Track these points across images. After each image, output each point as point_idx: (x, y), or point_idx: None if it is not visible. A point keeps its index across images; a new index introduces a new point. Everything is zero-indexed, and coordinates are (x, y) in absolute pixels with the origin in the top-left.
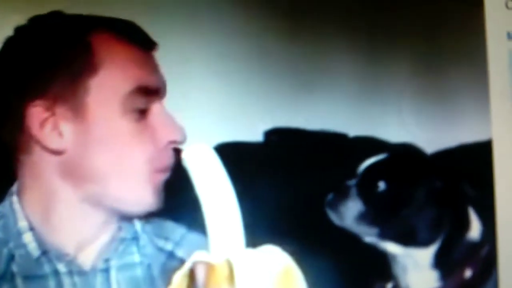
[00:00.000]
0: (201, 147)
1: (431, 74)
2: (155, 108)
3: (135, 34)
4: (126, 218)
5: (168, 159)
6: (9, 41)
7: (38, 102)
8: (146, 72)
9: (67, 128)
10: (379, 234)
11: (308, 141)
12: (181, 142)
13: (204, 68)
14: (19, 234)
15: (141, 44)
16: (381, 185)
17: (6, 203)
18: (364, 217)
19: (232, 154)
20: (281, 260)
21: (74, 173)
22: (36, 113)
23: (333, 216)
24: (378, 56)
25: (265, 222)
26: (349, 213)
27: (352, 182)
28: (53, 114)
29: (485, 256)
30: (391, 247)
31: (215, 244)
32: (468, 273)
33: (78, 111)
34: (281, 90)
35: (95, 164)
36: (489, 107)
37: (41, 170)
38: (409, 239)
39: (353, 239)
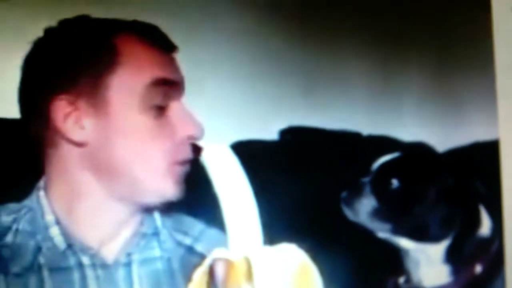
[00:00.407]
0: (221, 147)
1: (441, 76)
2: (174, 105)
3: (156, 36)
4: (148, 210)
5: (186, 153)
6: (38, 41)
7: (62, 96)
8: (164, 68)
9: (89, 122)
10: (392, 230)
11: (322, 140)
12: (199, 138)
13: (220, 69)
14: (46, 227)
15: (162, 46)
16: (395, 182)
17: (33, 197)
18: (378, 214)
19: (248, 152)
20: (297, 257)
21: (96, 166)
22: (60, 106)
23: (348, 212)
24: (389, 57)
25: (281, 219)
26: (363, 210)
27: (366, 179)
28: (76, 108)
29: (495, 252)
30: (404, 243)
31: (234, 242)
32: (478, 268)
33: (99, 106)
34: (296, 90)
35: (115, 156)
36: (496, 108)
37: (66, 163)
38: (421, 235)
39: (367, 235)
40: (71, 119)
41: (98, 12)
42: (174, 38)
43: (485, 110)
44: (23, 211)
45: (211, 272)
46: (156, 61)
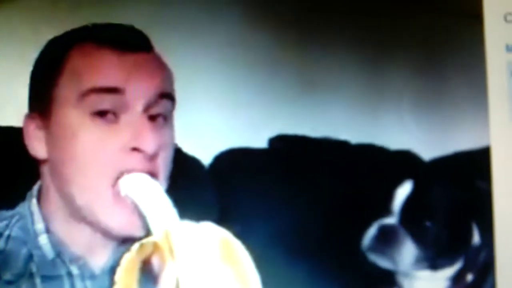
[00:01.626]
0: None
1: (432, 84)
2: (128, 113)
3: (120, 38)
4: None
5: (133, 165)
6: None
7: (31, 114)
8: (107, 74)
9: (44, 137)
10: (421, 267)
11: (312, 148)
12: (146, 152)
13: (211, 76)
14: (36, 235)
15: (127, 47)
16: (428, 224)
17: (25, 204)
18: (421, 260)
19: (237, 160)
20: (218, 232)
21: (57, 183)
22: (27, 124)
23: (381, 261)
24: (381, 67)
25: (265, 229)
26: (405, 259)
27: (392, 220)
28: (37, 126)
29: (484, 259)
30: (423, 274)
31: (153, 222)
32: (469, 277)
33: (48, 119)
34: (287, 98)
35: (64, 173)
36: (488, 118)
37: (45, 178)
38: (440, 265)
39: (358, 251)
40: (34, 136)
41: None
42: (167, 43)
43: (475, 119)
44: (15, 218)
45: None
46: (98, 69)
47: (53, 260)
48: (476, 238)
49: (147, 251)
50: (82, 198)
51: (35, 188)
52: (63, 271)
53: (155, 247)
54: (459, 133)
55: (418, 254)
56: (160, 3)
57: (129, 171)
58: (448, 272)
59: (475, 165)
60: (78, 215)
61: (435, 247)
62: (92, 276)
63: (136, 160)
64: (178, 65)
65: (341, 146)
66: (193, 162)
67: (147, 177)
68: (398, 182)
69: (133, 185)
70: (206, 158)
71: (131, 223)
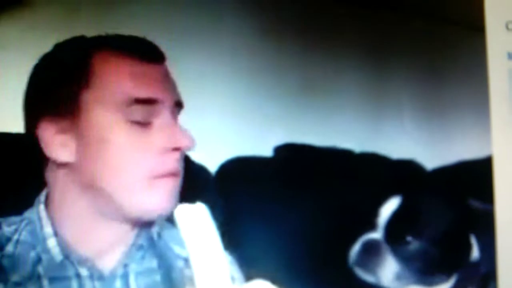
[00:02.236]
0: (195, 207)
1: (433, 92)
2: (159, 119)
3: (138, 48)
4: (144, 225)
5: (170, 165)
6: (34, 66)
7: (48, 118)
8: (144, 84)
9: (71, 141)
10: (409, 284)
11: (316, 157)
12: (187, 149)
13: (218, 85)
14: (44, 239)
15: (146, 57)
16: (409, 239)
17: (34, 210)
18: (402, 275)
19: (243, 168)
20: None
21: (82, 185)
22: (45, 128)
23: (365, 275)
24: (384, 76)
25: (269, 240)
26: (386, 274)
27: (376, 235)
28: (60, 129)
29: (484, 272)
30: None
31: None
32: None
33: (78, 124)
34: (292, 106)
35: (97, 174)
36: (490, 126)
37: (59, 183)
38: (432, 282)
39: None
40: (56, 140)
41: (94, 27)
42: (171, 50)
43: (477, 128)
44: (24, 223)
45: None
46: (135, 76)
47: (61, 262)
48: (475, 253)
49: None
50: (119, 194)
51: (43, 194)
52: (71, 273)
53: None
54: (461, 141)
55: (399, 270)
56: (166, 12)
57: (166, 172)
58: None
59: (475, 177)
60: (108, 211)
61: (419, 263)
62: (101, 277)
63: (173, 160)
64: (185, 73)
65: (345, 155)
66: (200, 169)
67: (207, 217)
68: (393, 194)
69: (190, 227)
70: (212, 166)
71: (164, 204)
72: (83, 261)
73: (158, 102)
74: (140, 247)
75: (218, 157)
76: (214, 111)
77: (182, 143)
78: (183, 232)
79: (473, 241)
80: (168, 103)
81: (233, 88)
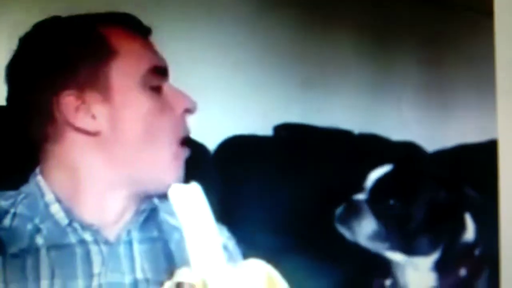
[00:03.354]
0: (189, 187)
1: (435, 76)
2: (166, 85)
3: (134, 24)
4: (150, 197)
5: (187, 128)
6: (23, 43)
7: (68, 92)
8: (155, 54)
9: (99, 110)
10: (388, 248)
11: (316, 137)
12: (194, 110)
13: (218, 64)
14: (46, 206)
15: (140, 32)
16: (392, 202)
17: (31, 183)
18: (378, 235)
19: (242, 147)
20: (261, 274)
21: (109, 151)
22: (69, 101)
23: (344, 232)
24: (384, 56)
25: (268, 219)
26: (363, 231)
27: (361, 197)
28: (84, 101)
29: (478, 255)
30: (396, 257)
31: (195, 264)
32: (463, 271)
33: (105, 93)
34: (293, 86)
35: (127, 138)
36: (496, 108)
37: (72, 154)
38: (413, 250)
39: (355, 244)
40: (82, 112)
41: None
42: (170, 30)
43: (478, 112)
44: (20, 196)
45: None
46: (145, 47)
47: (64, 229)
48: (469, 233)
49: None
50: (145, 161)
51: (37, 169)
52: (74, 240)
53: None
54: (462, 125)
55: (376, 230)
56: None
57: (187, 135)
58: (427, 261)
59: (475, 161)
60: (127, 182)
61: (399, 227)
62: (106, 242)
63: (187, 122)
64: (187, 51)
65: (344, 135)
66: (198, 147)
67: (201, 196)
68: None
69: (184, 206)
70: (212, 144)
71: (180, 176)
72: (87, 227)
73: (166, 69)
74: (143, 211)
75: (217, 136)
76: (216, 90)
77: (191, 104)
78: (177, 211)
79: (469, 221)
80: (168, 72)
81: (234, 68)
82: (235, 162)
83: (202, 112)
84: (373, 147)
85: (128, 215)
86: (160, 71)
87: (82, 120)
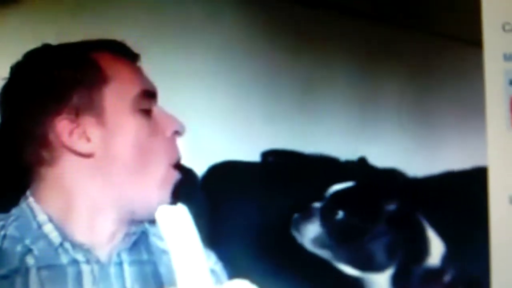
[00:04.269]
0: (176, 208)
1: (424, 104)
2: (156, 108)
3: (123, 49)
4: (137, 221)
5: (177, 151)
6: (19, 67)
7: (63, 116)
8: (144, 78)
9: (93, 133)
10: (332, 257)
11: (302, 163)
12: (183, 132)
13: (207, 89)
14: (39, 226)
15: (129, 57)
16: (340, 213)
17: (22, 205)
18: (321, 241)
19: (230, 172)
20: None
21: (102, 173)
22: (64, 125)
23: (295, 234)
24: (372, 84)
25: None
26: (308, 234)
27: (318, 205)
28: (78, 124)
29: (448, 283)
30: (348, 270)
31: (182, 286)
32: None
33: (99, 116)
34: (284, 111)
35: (120, 160)
36: (486, 124)
37: (66, 175)
38: (364, 264)
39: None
40: (76, 135)
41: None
42: (159, 54)
43: (459, 141)
44: (11, 219)
45: None
46: (136, 72)
47: (56, 249)
48: (434, 259)
49: None
50: (135, 183)
51: (28, 192)
52: (65, 260)
53: None
54: (449, 152)
55: (319, 235)
56: (158, 16)
57: (179, 158)
58: (383, 278)
59: (462, 188)
60: (116, 203)
61: (345, 237)
62: (98, 261)
63: (177, 145)
64: (176, 78)
65: (331, 162)
66: (186, 172)
67: (188, 218)
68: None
69: (170, 228)
70: (200, 169)
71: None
72: (79, 246)
73: (155, 92)
74: (134, 233)
75: (205, 161)
76: (203, 115)
77: (179, 126)
78: (164, 233)
79: (436, 246)
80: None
81: (222, 93)
82: (222, 187)
83: (190, 137)
84: (359, 175)
85: (119, 237)
86: (149, 95)
87: (77, 143)
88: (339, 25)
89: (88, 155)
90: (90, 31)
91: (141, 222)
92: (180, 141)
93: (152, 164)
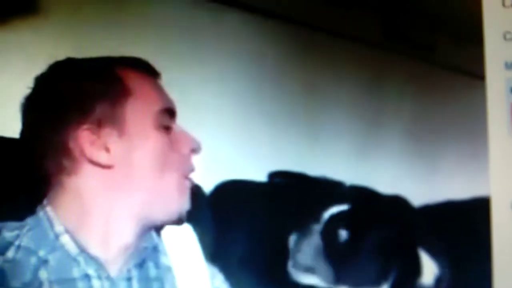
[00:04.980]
0: (182, 228)
1: (425, 128)
2: (175, 126)
3: (145, 67)
4: (155, 228)
5: (192, 165)
6: (43, 78)
7: (84, 127)
8: (165, 96)
9: (113, 145)
10: (325, 279)
11: (307, 186)
12: (199, 150)
13: (217, 108)
14: (56, 236)
15: (151, 74)
16: (343, 234)
17: (39, 214)
18: (316, 261)
19: (237, 191)
20: None
21: (120, 185)
22: (86, 136)
23: (293, 254)
24: (377, 110)
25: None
26: (306, 250)
27: (316, 226)
28: (100, 135)
29: None
30: None
31: None
32: None
33: (120, 129)
34: (291, 134)
35: (138, 172)
36: (487, 130)
37: (85, 185)
38: (358, 283)
39: None
40: (96, 146)
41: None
42: (174, 71)
43: (462, 170)
44: (26, 228)
45: None
46: (157, 89)
47: (71, 261)
48: (427, 278)
49: None
50: (153, 193)
51: (45, 201)
52: (77, 274)
53: None
54: (451, 180)
55: (318, 255)
56: (169, 32)
57: (192, 169)
58: None
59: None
60: (136, 214)
61: (342, 254)
62: (108, 277)
63: (192, 161)
64: (186, 95)
65: (336, 186)
66: (195, 188)
67: (192, 237)
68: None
69: (176, 247)
70: (208, 186)
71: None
72: (91, 261)
73: (175, 111)
74: (145, 248)
75: (212, 179)
76: (216, 134)
77: (196, 145)
78: (169, 251)
79: (428, 266)
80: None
81: (231, 113)
82: (229, 205)
83: (203, 157)
84: (363, 200)
85: (131, 251)
86: (170, 112)
87: (97, 154)
88: (346, 49)
89: (107, 167)
90: (106, 42)
91: (161, 228)
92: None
93: (169, 176)
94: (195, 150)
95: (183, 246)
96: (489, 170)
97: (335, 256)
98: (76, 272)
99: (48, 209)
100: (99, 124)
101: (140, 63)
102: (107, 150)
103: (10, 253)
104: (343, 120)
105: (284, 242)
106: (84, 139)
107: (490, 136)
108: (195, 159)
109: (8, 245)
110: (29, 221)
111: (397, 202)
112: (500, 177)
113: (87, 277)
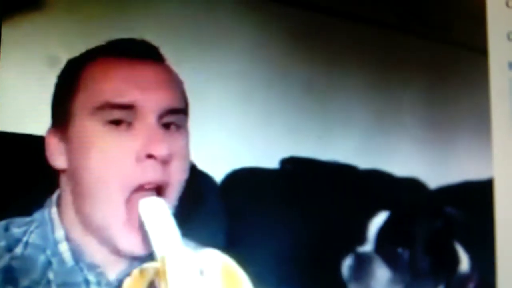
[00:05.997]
0: (154, 200)
1: (437, 109)
2: (140, 123)
3: (132, 49)
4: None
5: (148, 173)
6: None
7: (53, 128)
8: (125, 88)
9: (65, 148)
10: None
11: (320, 172)
12: (160, 158)
13: (228, 95)
14: (56, 242)
15: (139, 56)
16: (400, 250)
17: (45, 212)
18: (394, 282)
19: (248, 179)
20: (220, 260)
21: (73, 194)
22: (48, 138)
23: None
24: (389, 93)
25: (266, 245)
26: (379, 282)
27: (367, 248)
28: (59, 138)
29: (474, 287)
30: None
31: (156, 247)
32: None
33: (66, 132)
34: (303, 120)
35: (81, 181)
36: (491, 147)
37: (64, 188)
38: None
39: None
40: (55, 149)
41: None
42: (181, 59)
43: (479, 150)
44: (34, 225)
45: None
46: (115, 83)
47: (71, 268)
48: (464, 265)
49: (148, 276)
50: (96, 212)
51: (55, 196)
52: (80, 279)
53: (156, 272)
54: (460, 164)
55: (392, 277)
56: (174, 20)
57: (144, 182)
58: None
59: (477, 198)
60: (90, 228)
61: (410, 272)
62: (109, 284)
63: (150, 168)
64: (193, 83)
65: (349, 170)
66: (205, 178)
67: (161, 201)
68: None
69: (144, 208)
70: (218, 175)
71: (140, 244)
72: (92, 267)
73: (136, 107)
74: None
75: (224, 167)
76: (224, 121)
77: (156, 150)
78: (146, 224)
79: (461, 252)
80: (152, 108)
81: (242, 100)
82: (241, 193)
83: (208, 143)
84: (377, 184)
85: (122, 262)
86: (121, 107)
87: (54, 157)
88: (354, 34)
89: (62, 170)
90: (116, 34)
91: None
92: (198, 148)
93: (114, 193)
94: (152, 156)
95: (158, 219)
96: (492, 170)
97: (410, 272)
98: (78, 277)
99: (53, 210)
100: (59, 126)
101: (126, 47)
102: (61, 153)
103: (18, 250)
104: (355, 103)
105: (304, 233)
106: (47, 143)
107: (493, 136)
108: (198, 150)
109: (16, 241)
110: (37, 216)
111: (416, 186)
112: (504, 177)
113: (87, 282)
